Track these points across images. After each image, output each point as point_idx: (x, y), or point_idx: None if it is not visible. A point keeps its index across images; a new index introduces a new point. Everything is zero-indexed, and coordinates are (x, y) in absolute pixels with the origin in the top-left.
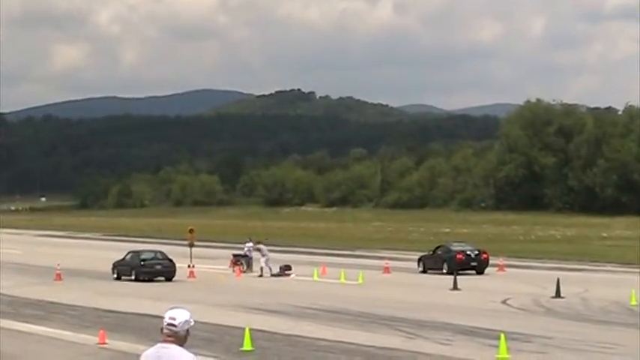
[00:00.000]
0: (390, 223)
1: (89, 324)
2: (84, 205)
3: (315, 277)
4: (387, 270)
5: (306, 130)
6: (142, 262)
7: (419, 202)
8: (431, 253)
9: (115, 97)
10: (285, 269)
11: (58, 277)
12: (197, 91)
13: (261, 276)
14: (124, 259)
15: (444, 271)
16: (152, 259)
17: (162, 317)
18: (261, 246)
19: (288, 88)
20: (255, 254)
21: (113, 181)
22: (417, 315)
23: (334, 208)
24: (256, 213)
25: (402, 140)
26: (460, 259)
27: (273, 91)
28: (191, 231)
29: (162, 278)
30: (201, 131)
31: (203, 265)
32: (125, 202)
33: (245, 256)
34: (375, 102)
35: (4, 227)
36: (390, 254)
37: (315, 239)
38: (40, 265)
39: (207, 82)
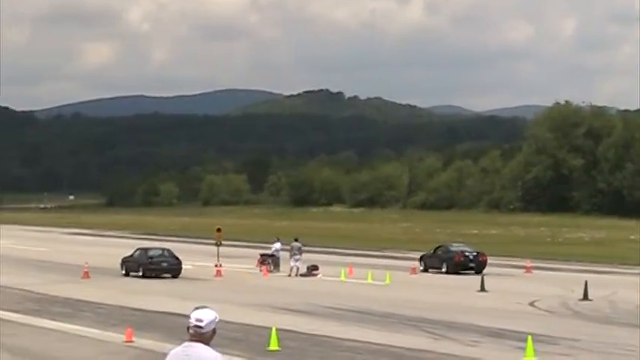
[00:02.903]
0: (417, 224)
1: (116, 322)
2: (111, 204)
3: (343, 278)
4: (414, 271)
5: (334, 131)
6: (150, 259)
7: (446, 203)
8: (432, 252)
9: (143, 96)
10: (313, 269)
11: (86, 275)
12: (225, 91)
13: (289, 275)
14: (132, 255)
15: (444, 270)
16: (159, 256)
17: (188, 316)
18: (295, 244)
19: (316, 89)
20: (283, 254)
21: (140, 180)
22: (443, 316)
23: (361, 209)
24: (283, 213)
25: (430, 141)
26: (459, 259)
27: (301, 91)
28: (218, 230)
29: (169, 275)
30: (229, 131)
31: (230, 264)
32: (152, 200)
33: (272, 255)
34: (404, 103)
35: (32, 225)
36: (418, 255)
37: (343, 240)
38: (67, 263)
39: (236, 81)
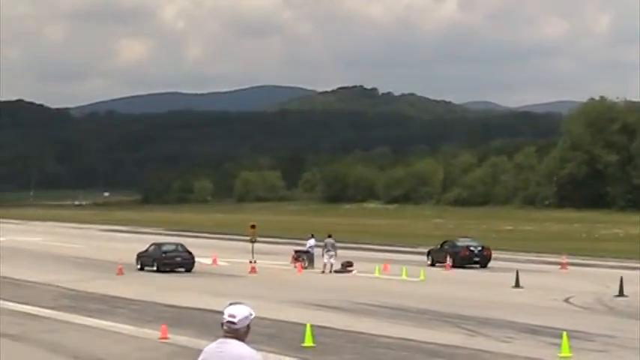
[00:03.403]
0: (451, 220)
1: (151, 318)
2: (146, 200)
3: (377, 274)
4: (448, 267)
5: (369, 127)
6: (164, 254)
7: (481, 199)
8: (438, 247)
9: (177, 93)
10: (347, 266)
11: (120, 271)
12: (259, 87)
13: (323, 272)
14: (146, 250)
15: (450, 264)
16: (173, 251)
17: (222, 312)
18: (328, 240)
19: (350, 85)
20: (317, 250)
21: (175, 177)
22: (478, 312)
23: (395, 205)
24: (318, 209)
25: (465, 137)
26: (464, 254)
27: (335, 88)
28: (253, 227)
29: (182, 269)
30: (263, 127)
31: (264, 260)
32: (187, 197)
33: (307, 252)
34: (438, 99)
35: (67, 222)
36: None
37: (377, 236)
38: (102, 260)
39: (270, 78)
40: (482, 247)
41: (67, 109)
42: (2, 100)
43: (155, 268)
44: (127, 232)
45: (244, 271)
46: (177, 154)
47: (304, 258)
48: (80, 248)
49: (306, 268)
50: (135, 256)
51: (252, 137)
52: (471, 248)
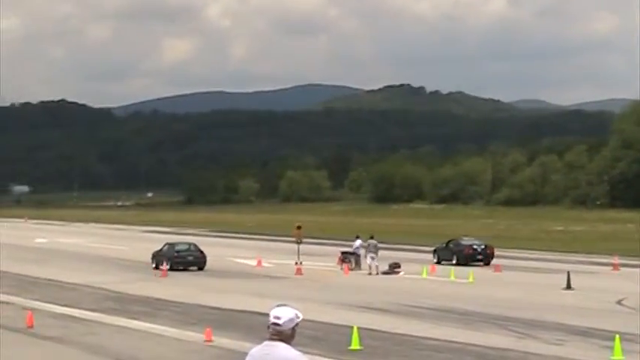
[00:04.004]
0: (500, 221)
1: (195, 321)
2: (190, 201)
3: (425, 275)
4: (497, 268)
5: (416, 126)
6: (176, 253)
7: (530, 199)
8: (444, 246)
9: (222, 92)
10: (394, 267)
11: (164, 273)
12: (305, 86)
13: (370, 274)
14: (161, 249)
15: (454, 262)
16: (185, 250)
17: (268, 314)
18: (371, 242)
19: (397, 83)
20: (362, 251)
21: (219, 177)
22: (528, 314)
23: (443, 205)
24: (364, 210)
25: (514, 136)
26: (468, 252)
27: (382, 86)
28: (299, 227)
29: (195, 268)
30: (308, 126)
31: (310, 262)
32: (231, 197)
33: (353, 253)
34: (486, 97)
35: (110, 223)
36: (501, 252)
37: (424, 236)
38: (145, 262)
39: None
40: (485, 246)
41: (109, 108)
42: (45, 100)
43: (168, 267)
44: (170, 233)
45: (290, 273)
46: (221, 153)
47: (351, 259)
48: (123, 250)
49: (352, 269)
50: (150, 255)
51: (298, 136)
52: (474, 247)
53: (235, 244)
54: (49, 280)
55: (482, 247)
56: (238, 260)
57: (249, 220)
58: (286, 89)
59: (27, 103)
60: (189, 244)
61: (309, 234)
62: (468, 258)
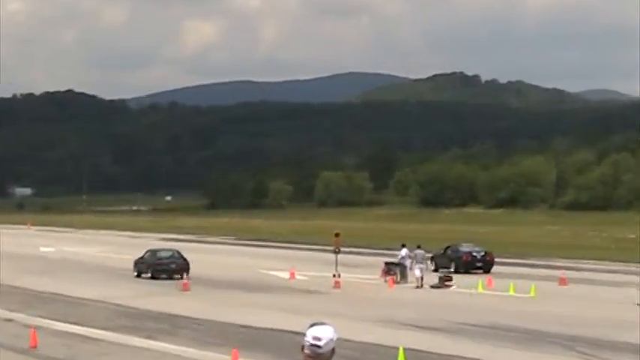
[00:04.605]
0: (566, 227)
1: (219, 340)
2: (214, 205)
3: (480, 289)
4: (563, 281)
5: (469, 119)
6: (158, 260)
7: (600, 203)
8: (442, 252)
9: (249, 82)
10: (445, 280)
11: (185, 286)
12: (344, 75)
13: (418, 287)
14: (142, 257)
15: (452, 269)
16: (168, 257)
17: (303, 334)
18: (418, 252)
19: (448, 71)
20: (409, 262)
21: (247, 178)
22: (596, 333)
23: (500, 210)
24: (411, 215)
25: (581, 131)
26: (467, 259)
27: (431, 75)
28: (337, 235)
29: (178, 276)
30: (348, 120)
31: (350, 274)
32: (261, 201)
33: (399, 264)
34: (549, 87)
35: (125, 230)
36: (567, 263)
37: (480, 245)
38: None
39: (356, 64)
40: (485, 253)
41: (123, 100)
42: (51, 90)
43: (150, 275)
44: (192, 241)
45: (327, 287)
46: (249, 151)
47: (396, 271)
48: None
49: (398, 282)
50: (132, 263)
51: (336, 132)
52: (474, 253)
53: (265, 253)
54: (55, 294)
55: (482, 253)
56: (269, 272)
57: (281, 226)
58: (322, 78)
59: (30, 94)
60: (172, 250)
61: (349, 242)
62: (467, 265)
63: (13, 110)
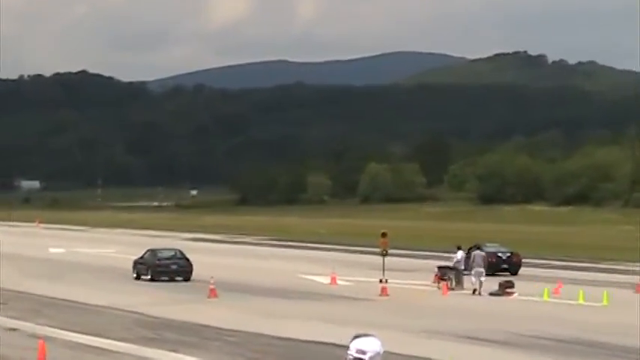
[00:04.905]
0: None
1: (253, 354)
2: (244, 201)
3: (545, 297)
4: (639, 288)
5: (534, 105)
6: (158, 261)
7: None
8: (465, 253)
9: (284, 62)
10: (506, 286)
11: (212, 293)
12: (391, 54)
13: (475, 294)
14: (142, 257)
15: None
16: (169, 258)
17: (346, 346)
18: (477, 253)
19: (510, 51)
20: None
21: (282, 170)
22: None
23: (568, 207)
24: (468, 213)
25: None
26: (491, 260)
27: (490, 54)
28: (384, 235)
29: (181, 278)
30: (396, 106)
31: (398, 279)
32: (297, 197)
33: (454, 268)
34: (626, 68)
35: (144, 229)
36: None
37: (545, 247)
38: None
39: (405, 42)
40: (512, 253)
41: (143, 83)
42: (61, 71)
43: (149, 277)
44: (220, 241)
45: (373, 293)
46: (284, 140)
47: (450, 276)
48: None
49: (452, 289)
50: (132, 264)
51: (382, 119)
52: (499, 254)
53: (303, 255)
54: (66, 300)
55: (508, 254)
56: (307, 277)
57: (321, 225)
58: (367, 59)
59: (38, 76)
60: (174, 250)
61: (398, 243)
62: (491, 267)
63: (20, 93)
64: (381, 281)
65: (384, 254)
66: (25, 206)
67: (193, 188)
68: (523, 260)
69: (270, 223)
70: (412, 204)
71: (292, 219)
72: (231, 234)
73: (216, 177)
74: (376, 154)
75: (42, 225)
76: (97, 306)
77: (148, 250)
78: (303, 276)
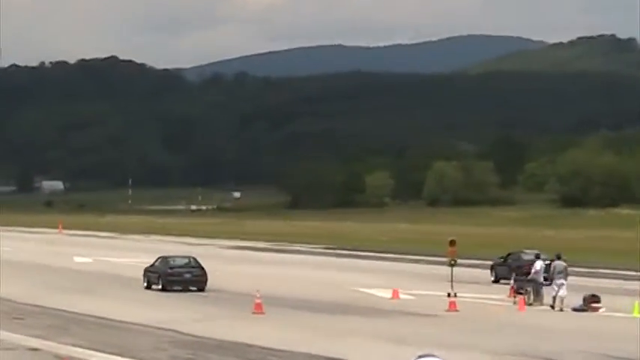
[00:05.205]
0: None
1: None
2: (295, 204)
3: (636, 313)
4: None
5: (622, 95)
6: (170, 269)
7: None
8: (502, 261)
9: (339, 47)
10: (592, 301)
11: (258, 307)
12: (459, 38)
13: (553, 308)
14: (153, 264)
15: (512, 281)
16: (182, 266)
17: None
18: (558, 263)
19: (595, 34)
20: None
21: (337, 168)
22: None
23: None
24: (547, 217)
25: None
26: (528, 269)
27: (573, 38)
28: (452, 243)
29: (195, 288)
30: (466, 96)
31: (469, 292)
32: (355, 199)
33: (532, 280)
34: None
35: (181, 235)
36: None
37: (637, 257)
38: (231, 291)
39: (475, 25)
40: (551, 261)
41: (179, 70)
42: (88, 57)
43: (160, 287)
44: (267, 250)
45: (439, 309)
46: (339, 135)
47: (528, 289)
48: None
49: (530, 303)
50: (142, 272)
51: (450, 110)
52: None
53: (361, 266)
54: (93, 316)
55: (548, 262)
56: (365, 290)
57: (381, 231)
58: (432, 43)
59: (62, 63)
60: (188, 257)
61: (468, 252)
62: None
63: (41, 83)
64: (449, 295)
65: (453, 264)
66: (47, 210)
67: (236, 190)
68: (609, 271)
69: (324, 228)
70: (484, 207)
71: (349, 224)
72: (279, 241)
73: (262, 176)
74: (444, 151)
75: (65, 231)
76: (127, 322)
77: (159, 257)
78: (361, 289)
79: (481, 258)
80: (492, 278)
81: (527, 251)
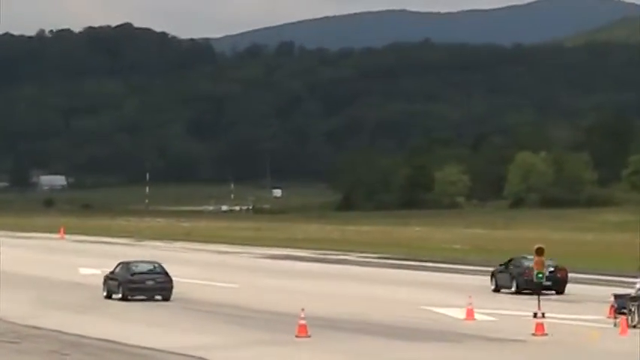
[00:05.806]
0: None
1: None
2: (347, 204)
3: None
4: None
5: None
6: (131, 276)
7: None
8: (503, 267)
9: (405, 12)
10: None
11: (302, 330)
12: (549, 2)
13: None
14: (113, 272)
15: (513, 289)
16: (145, 272)
17: None
18: None
19: None
20: None
21: (400, 161)
22: None
23: None
24: None
25: None
26: (529, 276)
27: None
28: (539, 251)
29: (159, 297)
30: (558, 72)
31: (560, 312)
32: (422, 198)
33: (636, 298)
34: None
35: (210, 242)
36: None
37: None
38: (270, 311)
39: None
40: (555, 268)
41: (207, 40)
42: (96, 25)
43: (120, 296)
44: (315, 260)
45: (524, 332)
46: (403, 121)
47: (632, 308)
48: (233, 289)
49: (634, 325)
50: (102, 280)
51: (538, 90)
52: None
53: (429, 280)
54: (100, 339)
55: (551, 269)
56: (433, 309)
57: (454, 237)
58: (518, 8)
59: (65, 31)
60: (153, 263)
61: (560, 263)
62: (531, 284)
63: (39, 55)
64: (535, 315)
65: (540, 278)
66: (46, 211)
67: (277, 187)
68: None
69: (384, 234)
70: (580, 209)
71: (414, 229)
72: (329, 249)
73: (308, 171)
74: (530, 140)
75: (67, 236)
76: (142, 347)
77: (120, 264)
78: (429, 308)
79: (576, 271)
80: (492, 287)
81: (529, 257)
